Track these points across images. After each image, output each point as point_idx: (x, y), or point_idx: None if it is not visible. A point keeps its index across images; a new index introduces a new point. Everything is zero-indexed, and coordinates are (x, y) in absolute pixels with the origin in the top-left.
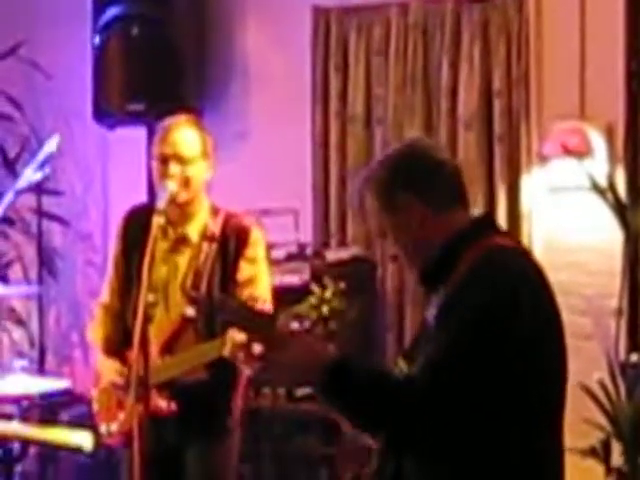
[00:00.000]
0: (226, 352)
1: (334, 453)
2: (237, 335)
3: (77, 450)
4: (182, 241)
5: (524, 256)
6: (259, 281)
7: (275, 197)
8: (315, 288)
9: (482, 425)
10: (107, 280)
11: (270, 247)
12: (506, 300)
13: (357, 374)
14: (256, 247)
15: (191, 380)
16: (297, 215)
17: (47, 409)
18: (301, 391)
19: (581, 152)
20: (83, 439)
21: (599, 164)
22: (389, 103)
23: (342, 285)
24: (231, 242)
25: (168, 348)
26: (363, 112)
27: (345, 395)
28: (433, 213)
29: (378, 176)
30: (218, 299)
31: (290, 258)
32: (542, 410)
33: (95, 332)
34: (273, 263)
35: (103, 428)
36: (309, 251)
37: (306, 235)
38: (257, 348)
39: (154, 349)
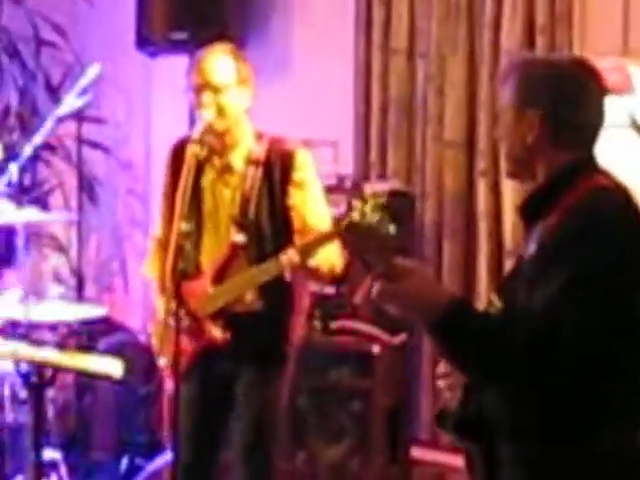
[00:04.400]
0: (287, 272)
1: (368, 386)
2: (294, 254)
3: (107, 378)
4: (227, 170)
5: (626, 197)
6: (310, 205)
7: (316, 129)
8: (356, 202)
9: (578, 376)
10: (159, 213)
11: None
12: (614, 255)
13: (472, 316)
14: (303, 170)
15: (244, 309)
16: (337, 147)
17: (84, 337)
18: (336, 323)
19: (622, 89)
20: (114, 367)
21: None
22: (432, 36)
23: (382, 199)
24: (276, 167)
25: (220, 277)
26: (406, 44)
27: (457, 335)
28: (551, 142)
29: (533, 70)
30: (348, 224)
31: (329, 190)
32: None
33: (150, 268)
34: None
35: (161, 361)
36: (348, 184)
37: (346, 167)
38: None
39: (207, 279)
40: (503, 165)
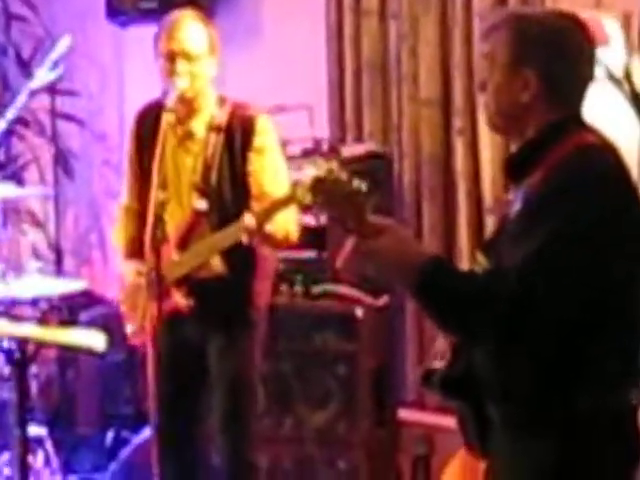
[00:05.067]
0: (244, 238)
1: (353, 349)
2: (250, 219)
3: (90, 351)
4: (189, 136)
5: (613, 155)
6: (269, 172)
7: (290, 93)
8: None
9: (555, 338)
10: (124, 181)
11: (285, 143)
12: (595, 212)
13: (452, 274)
14: (263, 136)
15: (209, 274)
16: (312, 111)
17: (65, 311)
18: (318, 288)
19: (597, 41)
20: (96, 340)
21: (616, 54)
22: None
23: (332, 163)
24: (237, 133)
25: (183, 244)
26: (377, 5)
27: (437, 294)
28: (545, 100)
29: (527, 27)
30: (312, 178)
31: (305, 154)
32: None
33: (117, 236)
34: (288, 159)
35: (129, 328)
36: (324, 147)
37: (322, 131)
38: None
39: (170, 246)
40: (488, 120)
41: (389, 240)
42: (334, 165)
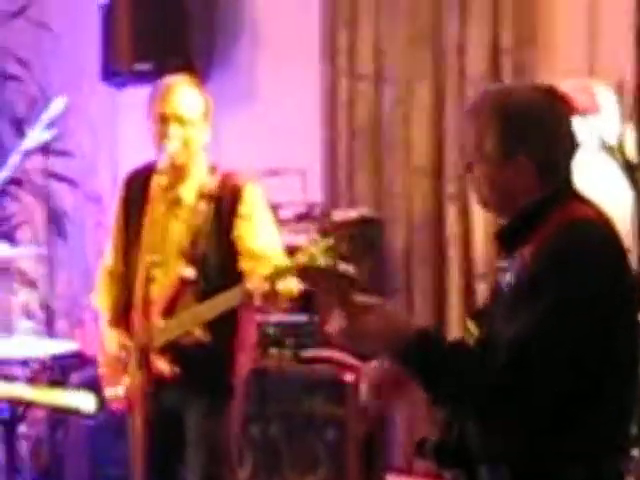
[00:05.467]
0: (249, 300)
1: (342, 414)
2: (252, 283)
3: (79, 413)
4: (177, 202)
5: (606, 225)
6: (256, 233)
7: (283, 157)
8: (315, 237)
9: (559, 405)
10: (110, 243)
11: (278, 207)
12: (589, 284)
13: (440, 346)
14: (250, 204)
15: (192, 341)
16: (305, 175)
17: (56, 371)
18: (308, 352)
19: (589, 110)
20: (86, 402)
21: (608, 123)
22: (397, 61)
23: (330, 241)
24: (226, 201)
25: (168, 310)
26: (371, 70)
27: (427, 366)
28: (535, 180)
29: (513, 113)
30: (299, 266)
31: (298, 218)
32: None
33: (100, 299)
34: (281, 223)
35: (109, 392)
36: (317, 211)
37: (315, 195)
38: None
39: (155, 312)
40: (480, 202)
41: (376, 318)
42: (317, 250)
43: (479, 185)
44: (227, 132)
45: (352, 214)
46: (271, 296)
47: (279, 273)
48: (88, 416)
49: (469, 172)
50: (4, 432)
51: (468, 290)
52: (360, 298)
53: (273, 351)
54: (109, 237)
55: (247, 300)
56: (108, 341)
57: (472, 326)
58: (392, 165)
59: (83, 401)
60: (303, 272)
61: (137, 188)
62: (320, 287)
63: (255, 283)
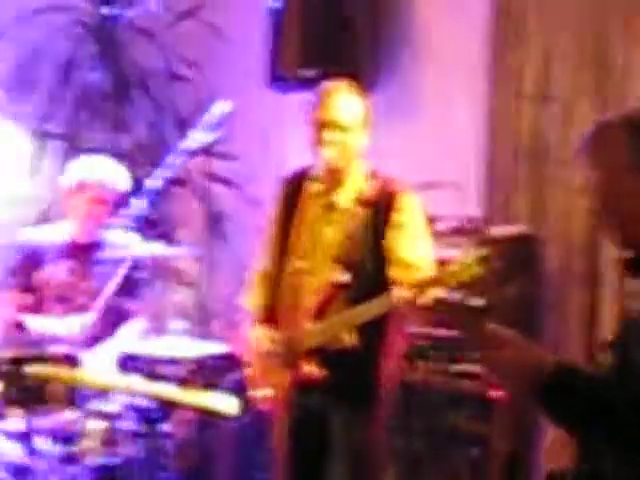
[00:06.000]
0: (396, 308)
1: (487, 431)
2: (399, 291)
3: (222, 416)
4: (331, 207)
5: None
6: (406, 243)
7: (442, 169)
8: (458, 255)
9: None
10: (263, 245)
11: (434, 220)
12: None
13: (578, 377)
14: (405, 212)
15: (340, 346)
16: (464, 189)
17: (209, 373)
18: (456, 367)
19: None
20: (229, 404)
21: None
22: (562, 82)
23: (484, 251)
24: (382, 207)
25: (319, 314)
26: (536, 89)
27: (561, 402)
28: None
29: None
30: (431, 298)
31: (453, 232)
32: None
33: (250, 299)
34: (436, 236)
35: (255, 394)
36: (473, 226)
37: (471, 210)
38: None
39: (305, 315)
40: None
41: (510, 350)
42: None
43: (617, 221)
44: (388, 142)
45: (508, 230)
46: (415, 307)
47: (423, 285)
48: (231, 419)
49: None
50: (147, 430)
51: (622, 313)
52: (493, 329)
53: (421, 364)
54: (263, 238)
55: (393, 309)
56: (255, 341)
57: (602, 357)
58: (552, 184)
59: (227, 404)
60: (439, 304)
61: (292, 192)
62: (455, 319)
63: (401, 292)
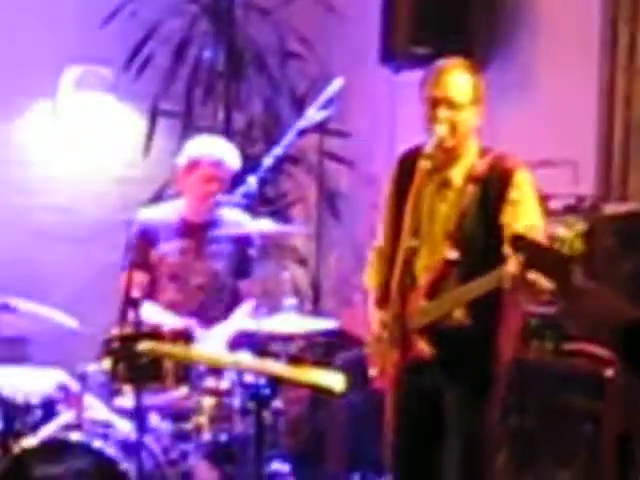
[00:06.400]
0: (505, 284)
1: (600, 409)
2: (512, 266)
3: (331, 393)
4: (446, 185)
5: None
6: (523, 221)
7: (556, 147)
8: (559, 228)
9: None
10: (380, 224)
11: (547, 198)
12: None
13: None
14: (519, 189)
15: (453, 324)
16: (577, 167)
17: (320, 350)
18: (569, 345)
19: None
20: (335, 381)
21: None
22: None
23: (582, 226)
24: (494, 184)
25: (432, 292)
26: None
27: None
28: None
29: None
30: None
31: (567, 210)
32: None
33: (369, 278)
34: (549, 214)
35: (372, 372)
36: (586, 204)
37: (586, 188)
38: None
39: (418, 293)
40: None
41: (593, 301)
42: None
43: None
44: (502, 119)
45: (623, 208)
46: (523, 283)
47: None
48: (340, 396)
49: None
50: (258, 407)
51: None
52: (579, 281)
53: (534, 343)
54: (380, 217)
55: (502, 285)
56: (373, 320)
57: None
58: None
59: (336, 381)
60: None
61: (406, 170)
62: (539, 265)
63: (510, 268)
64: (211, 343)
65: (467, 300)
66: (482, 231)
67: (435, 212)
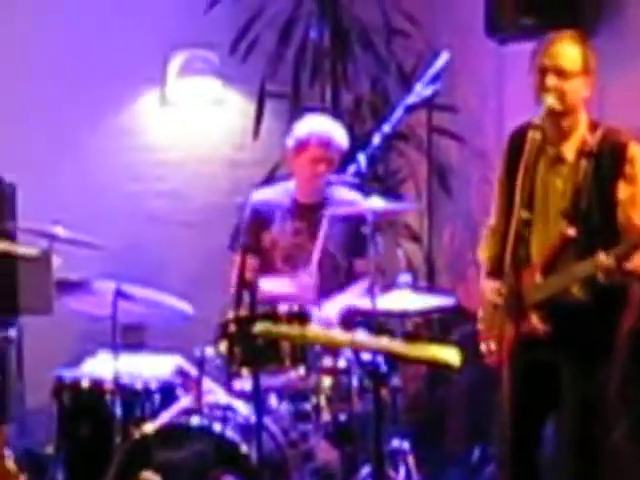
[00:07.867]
0: (599, 276)
1: None
2: (604, 258)
3: (445, 368)
4: (559, 160)
5: None
6: (634, 203)
7: None
8: None
9: None
10: (494, 200)
11: None
12: None
13: None
14: (635, 164)
15: (569, 301)
16: None
17: (436, 326)
18: None
19: None
20: (455, 358)
21: None
22: None
23: None
24: (607, 159)
25: (548, 268)
26: None
27: None
28: None
29: None
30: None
31: None
32: None
33: (482, 252)
34: None
35: (484, 347)
36: None
37: None
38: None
39: (535, 269)
40: None
41: None
42: None
43: None
44: (611, 90)
45: None
46: (623, 273)
47: (630, 248)
48: (457, 372)
49: None
50: (376, 385)
51: None
52: None
53: None
54: (493, 192)
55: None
56: (486, 291)
57: None
58: None
59: (452, 357)
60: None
61: (517, 146)
62: None
63: (602, 259)
64: (326, 321)
65: (579, 279)
66: (597, 207)
67: (550, 187)
